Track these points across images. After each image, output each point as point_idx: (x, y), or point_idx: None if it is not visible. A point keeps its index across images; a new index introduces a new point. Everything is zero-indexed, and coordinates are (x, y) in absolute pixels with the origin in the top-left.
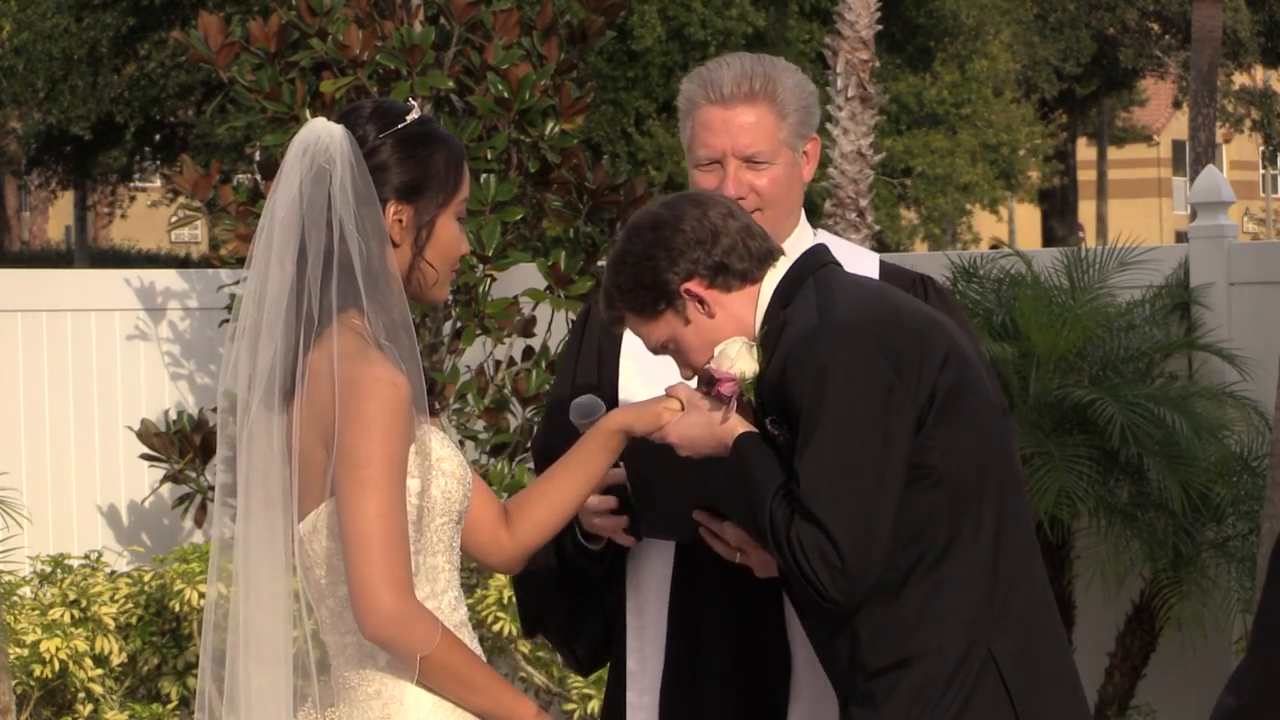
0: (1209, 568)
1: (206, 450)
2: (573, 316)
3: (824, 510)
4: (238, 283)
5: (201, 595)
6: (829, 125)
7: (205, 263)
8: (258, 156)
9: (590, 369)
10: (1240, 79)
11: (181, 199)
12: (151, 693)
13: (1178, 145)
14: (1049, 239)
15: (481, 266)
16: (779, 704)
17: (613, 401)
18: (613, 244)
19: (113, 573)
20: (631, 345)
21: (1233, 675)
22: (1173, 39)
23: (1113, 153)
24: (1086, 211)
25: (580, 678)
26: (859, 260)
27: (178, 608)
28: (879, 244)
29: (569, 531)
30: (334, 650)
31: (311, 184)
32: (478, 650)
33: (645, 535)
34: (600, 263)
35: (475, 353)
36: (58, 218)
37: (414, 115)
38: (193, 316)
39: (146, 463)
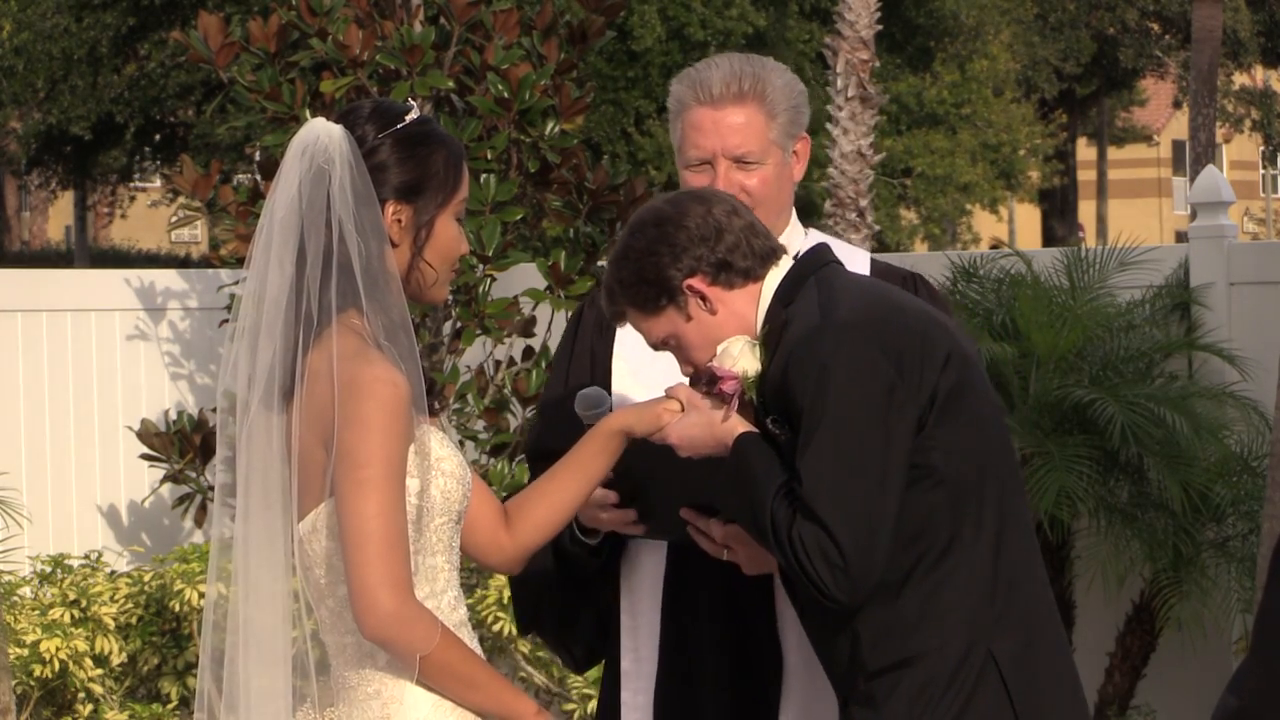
0: (1209, 568)
1: (206, 450)
2: None
3: (826, 509)
4: (237, 283)
5: (201, 595)
6: (829, 125)
7: (205, 263)
8: (258, 156)
9: (583, 370)
10: (1240, 79)
11: (181, 199)
12: (151, 693)
13: (1178, 145)
14: (1049, 239)
15: (481, 266)
16: (772, 703)
17: None
18: (613, 244)
19: (113, 573)
20: (624, 346)
21: (1234, 676)
22: (1173, 39)
23: (1113, 153)
24: (1086, 211)
25: (580, 678)
26: (850, 258)
27: (178, 608)
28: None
29: (566, 526)
30: (333, 650)
31: (310, 184)
32: (477, 650)
33: (638, 537)
34: (600, 263)
35: (475, 353)
36: (58, 218)
37: (413, 115)
38: (193, 316)
39: (146, 463)
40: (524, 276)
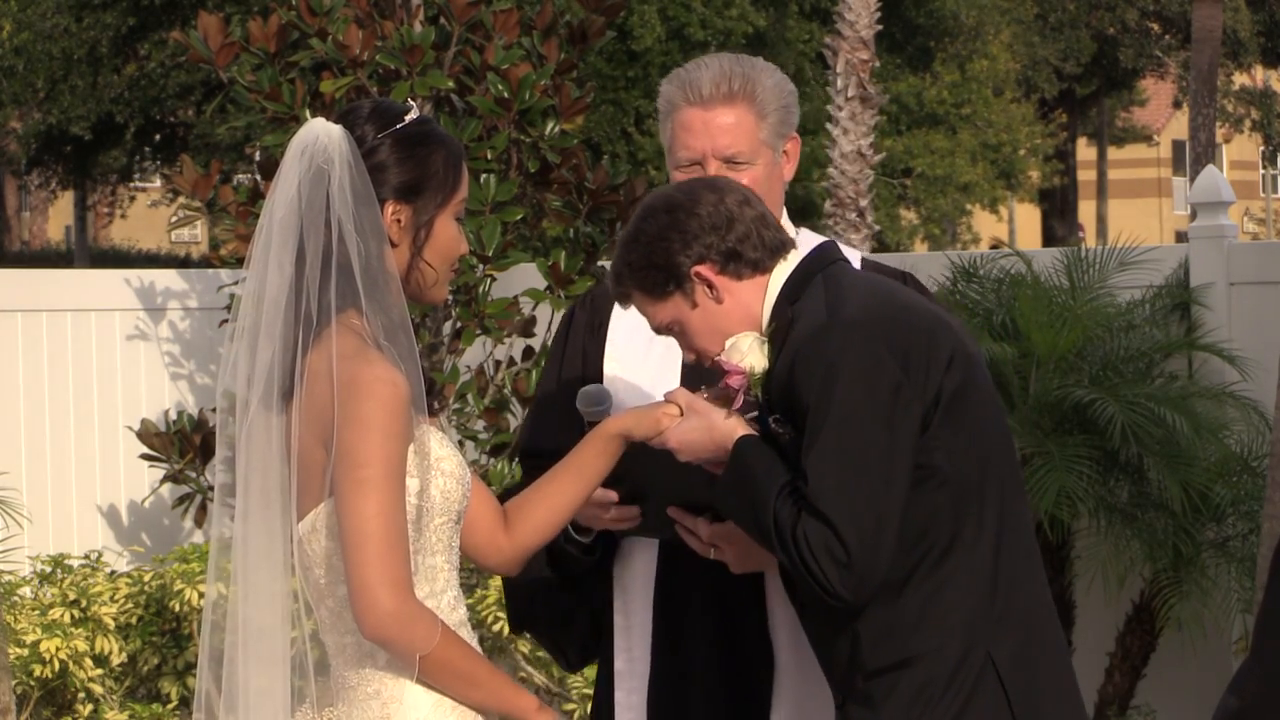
0: (1209, 568)
1: (206, 450)
2: None
3: (831, 507)
4: (237, 283)
5: (201, 595)
6: (829, 125)
7: (205, 263)
8: (258, 156)
9: (575, 370)
10: (1240, 79)
11: (181, 199)
12: (151, 693)
13: (1178, 145)
14: (1049, 239)
15: (481, 266)
16: (764, 701)
17: None
18: (613, 244)
19: (113, 573)
20: (616, 347)
21: (1235, 676)
22: (1173, 39)
23: (1113, 153)
24: (1086, 211)
25: (580, 677)
26: None
27: (178, 608)
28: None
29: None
30: (333, 650)
31: (310, 184)
32: (477, 649)
33: (633, 534)
34: (600, 263)
35: (475, 353)
36: (58, 218)
37: (412, 115)
38: (193, 316)
39: (146, 463)
40: (524, 276)
